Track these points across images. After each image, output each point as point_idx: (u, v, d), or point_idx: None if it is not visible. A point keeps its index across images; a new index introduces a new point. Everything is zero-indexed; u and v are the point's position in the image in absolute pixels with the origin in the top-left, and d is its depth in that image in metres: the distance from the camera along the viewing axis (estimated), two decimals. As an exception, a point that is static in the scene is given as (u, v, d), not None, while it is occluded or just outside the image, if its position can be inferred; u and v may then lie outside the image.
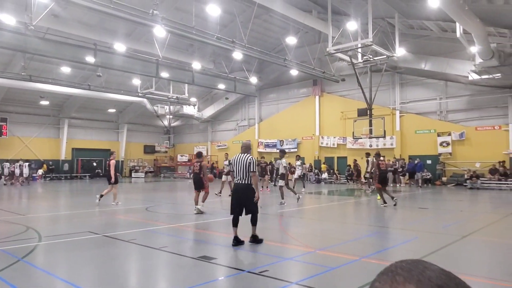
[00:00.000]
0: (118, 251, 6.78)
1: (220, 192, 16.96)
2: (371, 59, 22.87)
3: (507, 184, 21.53)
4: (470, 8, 16.04)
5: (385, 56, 22.30)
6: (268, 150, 33.44)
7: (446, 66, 23.20)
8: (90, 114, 36.33)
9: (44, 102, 31.95)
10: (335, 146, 29.77)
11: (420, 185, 23.53)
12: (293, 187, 15.56)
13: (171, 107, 35.93)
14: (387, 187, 14.09)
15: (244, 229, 7.23)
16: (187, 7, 21.01)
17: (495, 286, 4.62)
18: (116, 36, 22.79)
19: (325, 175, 28.52)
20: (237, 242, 6.90)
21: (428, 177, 24.52)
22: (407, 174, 24.56)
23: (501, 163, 22.39)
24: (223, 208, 13.31)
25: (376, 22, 21.71)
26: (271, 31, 27.43)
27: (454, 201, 16.05)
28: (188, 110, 36.10)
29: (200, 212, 11.10)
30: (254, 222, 7.12)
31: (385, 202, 12.94)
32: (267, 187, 20.48)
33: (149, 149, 41.02)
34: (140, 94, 30.61)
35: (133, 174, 37.19)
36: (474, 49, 18.97)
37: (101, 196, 13.20)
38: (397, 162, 24.87)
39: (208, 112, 37.64)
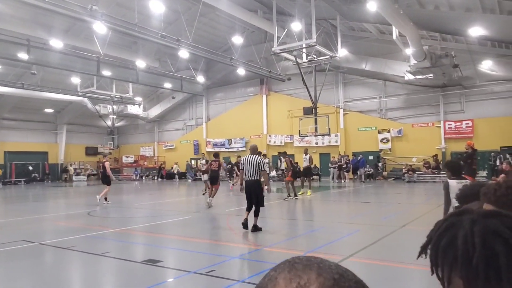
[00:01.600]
0: (56, 260, 6.40)
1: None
2: (315, 59, 23.54)
3: (440, 176, 23.20)
4: (404, 13, 17.07)
5: (328, 56, 23.06)
6: (216, 149, 33.23)
7: (385, 67, 24.48)
8: (25, 114, 33.85)
9: (-29, 102, 29.35)
10: (283, 144, 30.30)
11: (363, 180, 24.65)
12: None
13: (115, 106, 34.47)
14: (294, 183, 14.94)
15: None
16: (129, 3, 20.27)
17: (427, 272, 4.94)
18: (52, 32, 21.42)
19: (273, 173, 28.91)
20: (245, 226, 8.11)
21: (370, 172, 25.76)
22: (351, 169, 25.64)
23: (434, 157, 24.09)
24: (170, 210, 13.06)
25: (320, 23, 22.40)
26: (217, 30, 27.30)
27: (393, 194, 17.01)
28: (133, 109, 34.91)
29: (210, 206, 12.30)
30: (256, 214, 8.20)
31: (289, 196, 13.83)
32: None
33: (91, 151, 39.04)
34: (80, 93, 29.05)
35: (74, 178, 35.23)
36: (409, 51, 20.18)
37: (105, 199, 14.13)
38: (342, 158, 25.89)
39: (154, 111, 36.66)
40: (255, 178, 8.23)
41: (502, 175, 6.71)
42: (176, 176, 33.44)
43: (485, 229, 0.80)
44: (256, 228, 8.11)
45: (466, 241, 0.81)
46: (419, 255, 0.95)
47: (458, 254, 0.81)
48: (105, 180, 14.63)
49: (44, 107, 33.62)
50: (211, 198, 12.87)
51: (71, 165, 36.31)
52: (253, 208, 8.23)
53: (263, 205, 8.39)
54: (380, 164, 25.77)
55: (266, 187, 8.67)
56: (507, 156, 18.83)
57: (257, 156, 8.51)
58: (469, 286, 0.79)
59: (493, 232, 0.79)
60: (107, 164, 14.79)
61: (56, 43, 20.32)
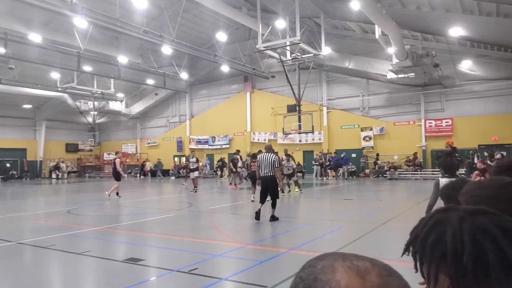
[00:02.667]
0: (35, 259, 6.24)
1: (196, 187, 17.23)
2: (299, 57, 23.62)
3: (420, 174, 23.65)
4: (387, 12, 17.28)
5: (312, 54, 23.16)
6: (200, 146, 33.08)
7: (368, 65, 24.75)
8: (2, 110, 32.88)
9: None
10: (266, 141, 30.32)
11: (345, 177, 24.89)
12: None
13: (96, 103, 33.80)
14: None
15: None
16: (111, -2, 19.90)
17: (410, 269, 5.03)
18: (30, 26, 20.82)
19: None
20: (258, 216, 8.79)
21: (353, 169, 26.03)
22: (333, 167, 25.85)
23: (415, 155, 24.53)
24: (152, 207, 12.92)
25: (304, 21, 22.45)
26: (201, 27, 27.07)
27: (375, 191, 17.24)
28: (115, 106, 34.36)
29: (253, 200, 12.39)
30: (273, 205, 9.06)
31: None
32: (235, 184, 19.30)
33: (71, 148, 38.27)
34: (59, 89, 28.40)
35: (54, 175, 34.49)
36: (391, 50, 20.45)
37: (117, 194, 14.54)
38: (323, 156, 26.09)
39: (137, 108, 36.17)
40: (270, 174, 9.03)
41: (476, 172, 6.87)
42: (159, 173, 33.12)
43: (474, 227, 0.81)
44: (273, 218, 8.93)
45: (455, 238, 0.81)
46: (404, 252, 0.95)
47: (446, 252, 0.81)
48: (116, 176, 15.11)
49: (22, 102, 32.76)
50: (253, 195, 12.72)
51: (62, 162, 35.59)
52: (269, 200, 9.07)
53: (278, 197, 9.31)
54: (379, 162, 25.70)
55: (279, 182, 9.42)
56: (485, 154, 19.32)
57: (272, 154, 9.33)
58: (456, 283, 0.79)
59: (482, 230, 0.80)
60: (117, 161, 15.23)
61: (35, 37, 19.79)
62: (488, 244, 0.78)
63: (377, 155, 25.82)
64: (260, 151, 16.17)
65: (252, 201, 12.65)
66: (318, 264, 0.54)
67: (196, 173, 17.60)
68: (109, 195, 14.68)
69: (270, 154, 9.28)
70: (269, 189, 9.09)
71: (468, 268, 0.77)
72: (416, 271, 0.90)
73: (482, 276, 0.77)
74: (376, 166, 25.76)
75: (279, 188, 9.48)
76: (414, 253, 0.90)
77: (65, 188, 23.91)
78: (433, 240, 0.84)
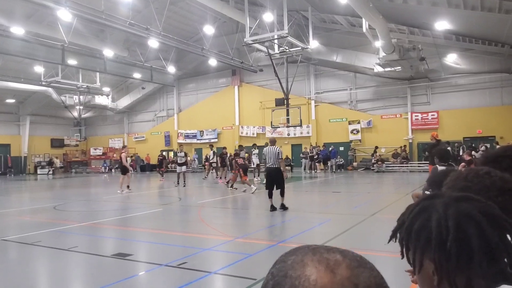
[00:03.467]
0: (20, 256, 6.13)
1: (178, 183, 17.11)
2: (287, 50, 23.59)
3: (407, 166, 23.95)
4: (374, 5, 17.33)
5: (300, 48, 23.15)
6: (188, 141, 32.89)
7: (355, 59, 24.86)
8: (-16, 105, 32.23)
9: None
10: (255, 135, 30.31)
11: (334, 170, 25.07)
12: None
13: (81, 97, 33.26)
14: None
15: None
16: (95, -10, 19.51)
17: (396, 260, 5.08)
18: (13, 18, 20.32)
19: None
20: (273, 208, 9.33)
21: (341, 163, 26.20)
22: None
23: (403, 148, 24.82)
24: (140, 202, 12.82)
25: (291, 14, 22.39)
26: (188, 20, 26.79)
27: (363, 184, 17.40)
28: (101, 100, 33.88)
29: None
30: (282, 194, 9.59)
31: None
32: (225, 177, 18.65)
33: (57, 143, 37.64)
34: (44, 83, 27.85)
35: (39, 171, 33.90)
36: (378, 43, 20.55)
37: (127, 186, 14.84)
38: (313, 149, 26.18)
39: (124, 102, 35.73)
40: (276, 166, 9.61)
41: (462, 164, 7.00)
42: (146, 167, 32.90)
43: (459, 212, 0.82)
44: (283, 207, 9.43)
45: (440, 224, 0.81)
46: (391, 239, 0.96)
47: (431, 237, 0.81)
48: (122, 170, 15.33)
49: (5, 97, 32.07)
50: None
51: (56, 157, 35.11)
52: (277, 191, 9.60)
53: (284, 187, 9.77)
54: (377, 154, 25.57)
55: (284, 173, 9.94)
56: (472, 145, 19.65)
57: (276, 147, 9.89)
58: (440, 268, 0.80)
59: (466, 216, 0.81)
60: (123, 155, 15.37)
61: (17, 30, 19.31)
62: (472, 229, 0.79)
63: (376, 147, 25.41)
64: (241, 147, 16.70)
65: (244, 191, 13.69)
66: (289, 260, 0.54)
67: (184, 168, 17.49)
68: (121, 191, 14.60)
69: (274, 147, 9.85)
70: (275, 179, 9.64)
71: (452, 253, 0.78)
72: (402, 257, 0.90)
73: (465, 261, 0.77)
74: (373, 158, 25.33)
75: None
76: (401, 240, 0.91)
77: (51, 184, 23.55)
78: (419, 226, 0.85)
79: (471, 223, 0.79)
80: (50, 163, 33.98)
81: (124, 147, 16.51)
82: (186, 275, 4.75)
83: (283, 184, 9.73)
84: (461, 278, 0.78)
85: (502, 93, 22.89)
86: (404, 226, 0.89)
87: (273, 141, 10.18)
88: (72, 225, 8.58)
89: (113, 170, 34.20)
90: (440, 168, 4.71)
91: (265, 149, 10.03)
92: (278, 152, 9.70)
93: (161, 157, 23.53)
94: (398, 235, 0.92)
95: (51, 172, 33.03)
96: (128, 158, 33.46)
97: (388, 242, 0.97)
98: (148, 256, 5.98)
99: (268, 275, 0.55)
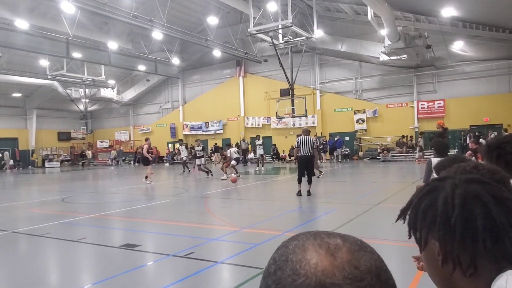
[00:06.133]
0: (30, 247, 6.24)
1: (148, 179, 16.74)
2: (292, 40, 23.41)
3: (413, 155, 23.85)
4: (379, -8, 17.09)
5: (304, 37, 22.97)
6: (193, 132, 32.97)
7: (360, 48, 24.63)
8: (-9, 99, 32.47)
9: None
10: (260, 126, 30.31)
11: (339, 160, 25.04)
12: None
13: (87, 90, 33.38)
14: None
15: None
16: (98, -18, 19.45)
17: (401, 248, 5.12)
18: (16, 12, 20.38)
19: (251, 155, 28.96)
20: (299, 194, 10.14)
21: (346, 152, 26.16)
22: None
23: (409, 137, 24.69)
24: (147, 194, 12.93)
25: (295, 3, 22.18)
26: (191, 10, 26.65)
27: (369, 173, 17.38)
28: (106, 93, 33.99)
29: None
30: (309, 181, 10.36)
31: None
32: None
33: (64, 136, 37.92)
34: (49, 77, 27.96)
35: (47, 164, 34.26)
36: (383, 31, 20.33)
37: (146, 177, 15.12)
38: (318, 140, 26.12)
39: (129, 95, 35.81)
40: (309, 154, 10.25)
41: (469, 152, 6.96)
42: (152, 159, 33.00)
43: (466, 192, 0.82)
44: (310, 193, 10.19)
45: (446, 202, 0.82)
46: (398, 218, 0.96)
47: (437, 215, 0.82)
48: (144, 161, 15.95)
49: (11, 91, 32.30)
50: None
51: (59, 153, 35.61)
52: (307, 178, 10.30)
53: (314, 174, 10.75)
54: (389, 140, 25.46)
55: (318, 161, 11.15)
56: (476, 133, 19.50)
57: (309, 137, 10.41)
58: (445, 247, 0.80)
59: (474, 196, 0.81)
60: (145, 146, 15.88)
61: (21, 24, 19.36)
62: (478, 209, 0.78)
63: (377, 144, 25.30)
64: (229, 145, 17.78)
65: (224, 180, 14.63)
66: (290, 245, 0.56)
67: (202, 160, 17.85)
68: (150, 182, 14.99)
69: (308, 136, 10.37)
70: (308, 167, 10.30)
71: (457, 232, 0.78)
72: (410, 237, 0.90)
73: (470, 240, 0.77)
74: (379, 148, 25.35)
75: (316, 170, 10.73)
76: (409, 220, 0.91)
77: (58, 177, 23.80)
78: (426, 205, 0.85)
79: (478, 203, 0.79)
80: (82, 155, 35.16)
81: (147, 139, 16.90)
82: (193, 265, 4.82)
83: (313, 171, 10.51)
84: (465, 257, 0.78)
85: (510, 80, 22.61)
86: (412, 205, 0.89)
87: (306, 131, 10.59)
88: (80, 217, 8.70)
89: (119, 162, 34.42)
90: (434, 160, 4.62)
91: (299, 138, 10.49)
92: (313, 142, 10.38)
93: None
94: (407, 217, 0.92)
95: (85, 162, 34.50)
96: (113, 152, 34.25)
97: (396, 221, 0.97)
98: (156, 247, 6.06)
99: (270, 260, 0.56)
